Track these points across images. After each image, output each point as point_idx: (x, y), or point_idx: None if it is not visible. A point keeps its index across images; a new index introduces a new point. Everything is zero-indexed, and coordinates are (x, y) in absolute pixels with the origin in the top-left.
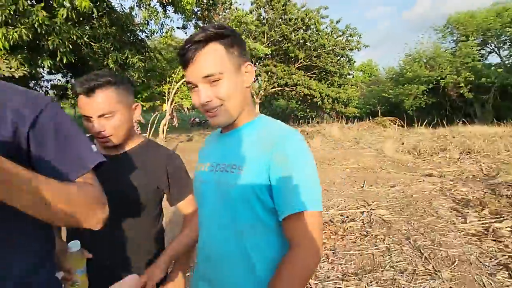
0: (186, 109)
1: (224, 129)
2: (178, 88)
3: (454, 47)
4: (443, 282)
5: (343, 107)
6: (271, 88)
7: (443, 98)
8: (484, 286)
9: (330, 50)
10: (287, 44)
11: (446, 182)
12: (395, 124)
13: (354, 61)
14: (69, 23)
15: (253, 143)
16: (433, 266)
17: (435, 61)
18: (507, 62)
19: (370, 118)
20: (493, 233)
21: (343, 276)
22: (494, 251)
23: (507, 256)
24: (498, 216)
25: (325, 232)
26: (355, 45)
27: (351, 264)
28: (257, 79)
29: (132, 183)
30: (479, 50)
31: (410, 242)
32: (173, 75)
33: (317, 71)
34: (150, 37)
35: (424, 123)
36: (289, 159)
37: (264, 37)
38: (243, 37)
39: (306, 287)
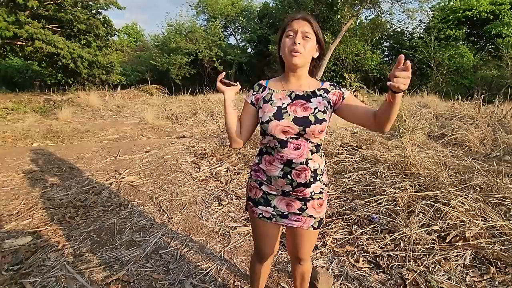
0: None
1: None
2: None
3: (206, 25)
4: (173, 225)
5: (105, 73)
6: None
7: (202, 70)
8: (202, 217)
9: (76, 1)
10: None
11: (193, 141)
12: (161, 92)
13: (112, 23)
14: None
15: None
16: (167, 216)
17: (193, 35)
18: (240, 44)
19: (139, 85)
20: (215, 175)
21: (74, 258)
22: (214, 188)
23: (220, 190)
24: (220, 162)
25: (58, 216)
26: (107, 2)
27: (86, 242)
28: None
29: None
30: (223, 31)
31: (153, 200)
32: None
33: (64, 26)
34: None
35: (189, 91)
36: None
37: None
38: None
39: None
